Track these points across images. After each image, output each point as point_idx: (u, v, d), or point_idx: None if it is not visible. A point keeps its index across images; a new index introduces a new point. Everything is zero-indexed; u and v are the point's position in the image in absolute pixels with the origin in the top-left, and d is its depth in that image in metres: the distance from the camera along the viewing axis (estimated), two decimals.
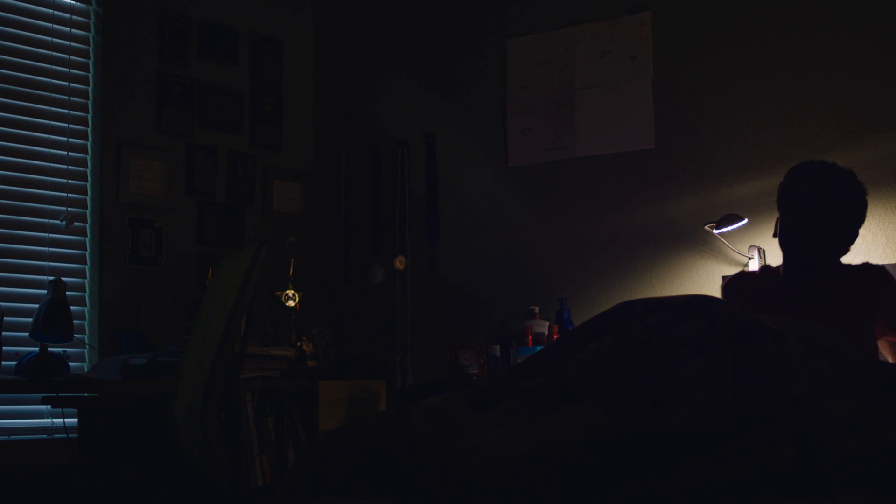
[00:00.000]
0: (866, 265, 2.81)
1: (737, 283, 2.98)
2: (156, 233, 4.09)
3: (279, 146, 4.60)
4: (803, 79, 3.52)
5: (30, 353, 3.20)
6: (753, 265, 3.47)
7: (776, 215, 3.61)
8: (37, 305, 3.40)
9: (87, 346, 3.87)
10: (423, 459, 1.56)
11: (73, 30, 3.95)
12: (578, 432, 1.49)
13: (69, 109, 3.92)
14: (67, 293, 3.38)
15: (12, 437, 3.61)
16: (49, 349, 3.20)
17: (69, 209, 3.89)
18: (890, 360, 2.75)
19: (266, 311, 4.21)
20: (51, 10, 3.89)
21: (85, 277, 3.93)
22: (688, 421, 1.49)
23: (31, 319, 3.38)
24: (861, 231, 2.95)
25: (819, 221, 2.74)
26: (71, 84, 3.93)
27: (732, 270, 3.57)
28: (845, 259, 2.81)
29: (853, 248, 2.95)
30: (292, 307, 4.17)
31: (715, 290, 3.62)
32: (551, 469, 1.41)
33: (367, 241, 4.51)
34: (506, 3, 4.24)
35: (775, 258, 3.46)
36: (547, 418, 1.60)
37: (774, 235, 2.86)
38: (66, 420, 3.45)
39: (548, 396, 1.73)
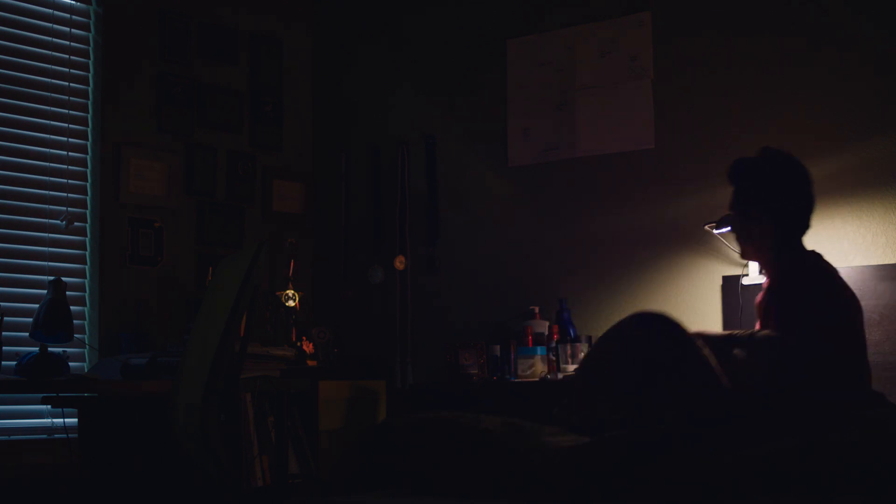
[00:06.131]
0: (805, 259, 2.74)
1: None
2: (156, 233, 4.09)
3: (279, 146, 4.60)
4: (803, 79, 3.52)
5: (30, 353, 3.20)
6: (753, 265, 3.47)
7: None
8: (37, 305, 3.40)
9: (87, 346, 3.87)
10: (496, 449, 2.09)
11: (73, 30, 3.95)
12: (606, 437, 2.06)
13: (69, 109, 3.92)
14: (67, 293, 3.37)
15: (12, 437, 3.61)
16: (49, 349, 3.20)
17: (69, 209, 3.88)
18: None
19: (266, 311, 4.21)
20: (51, 11, 3.89)
21: (85, 277, 3.93)
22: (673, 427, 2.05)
23: (31, 319, 3.37)
24: (861, 231, 2.95)
25: (735, 219, 2.78)
26: (71, 84, 3.92)
27: (732, 270, 3.57)
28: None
29: (853, 247, 2.95)
30: (292, 307, 4.17)
31: (715, 290, 3.62)
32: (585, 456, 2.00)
33: (367, 241, 4.51)
34: (506, 3, 4.23)
35: None
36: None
37: None
38: (66, 420, 3.45)
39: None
